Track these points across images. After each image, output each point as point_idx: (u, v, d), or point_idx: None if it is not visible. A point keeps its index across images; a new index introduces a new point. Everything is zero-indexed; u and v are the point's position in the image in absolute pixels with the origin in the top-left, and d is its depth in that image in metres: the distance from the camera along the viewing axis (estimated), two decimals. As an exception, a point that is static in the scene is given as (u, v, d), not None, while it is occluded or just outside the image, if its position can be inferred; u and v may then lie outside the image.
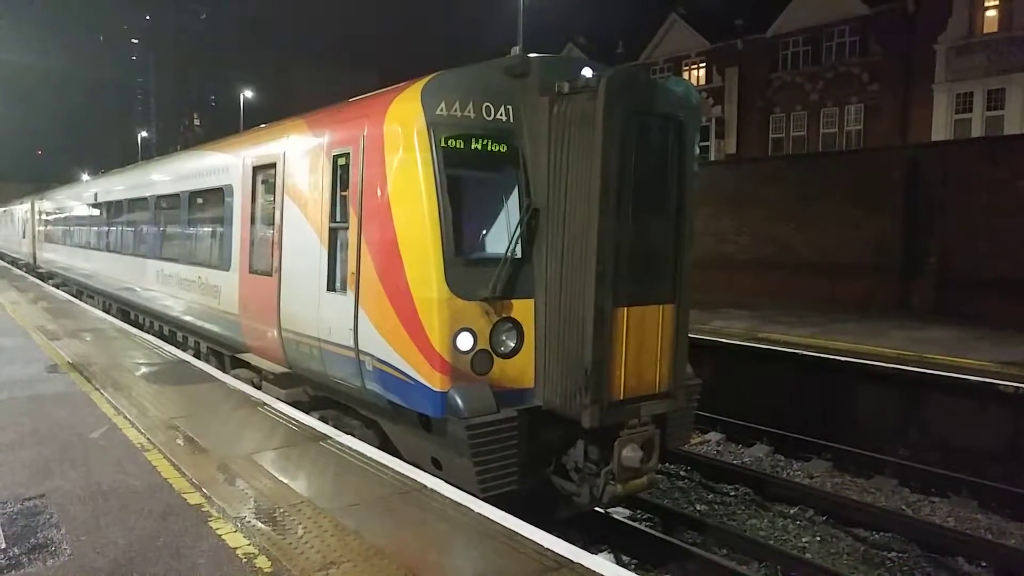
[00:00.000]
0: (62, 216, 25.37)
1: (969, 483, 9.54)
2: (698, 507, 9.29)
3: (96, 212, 19.70)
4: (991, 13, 26.44)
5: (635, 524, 8.38)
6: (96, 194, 19.84)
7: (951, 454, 10.38)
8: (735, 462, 10.86)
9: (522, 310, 6.33)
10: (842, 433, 11.28)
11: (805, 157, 27.89)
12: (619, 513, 8.55)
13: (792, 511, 9.10)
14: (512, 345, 6.31)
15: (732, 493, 9.67)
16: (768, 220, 21.91)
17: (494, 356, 6.24)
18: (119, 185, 17.75)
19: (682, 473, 10.31)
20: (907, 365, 11.16)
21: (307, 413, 7.91)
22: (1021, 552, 7.90)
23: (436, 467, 6.49)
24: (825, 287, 19.83)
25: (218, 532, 4.76)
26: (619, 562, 7.40)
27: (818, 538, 8.42)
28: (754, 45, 33.53)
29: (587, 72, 6.35)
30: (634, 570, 6.77)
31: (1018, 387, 9.83)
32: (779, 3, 32.29)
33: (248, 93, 64.11)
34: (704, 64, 36.21)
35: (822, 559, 7.89)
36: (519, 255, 6.28)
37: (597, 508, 7.38)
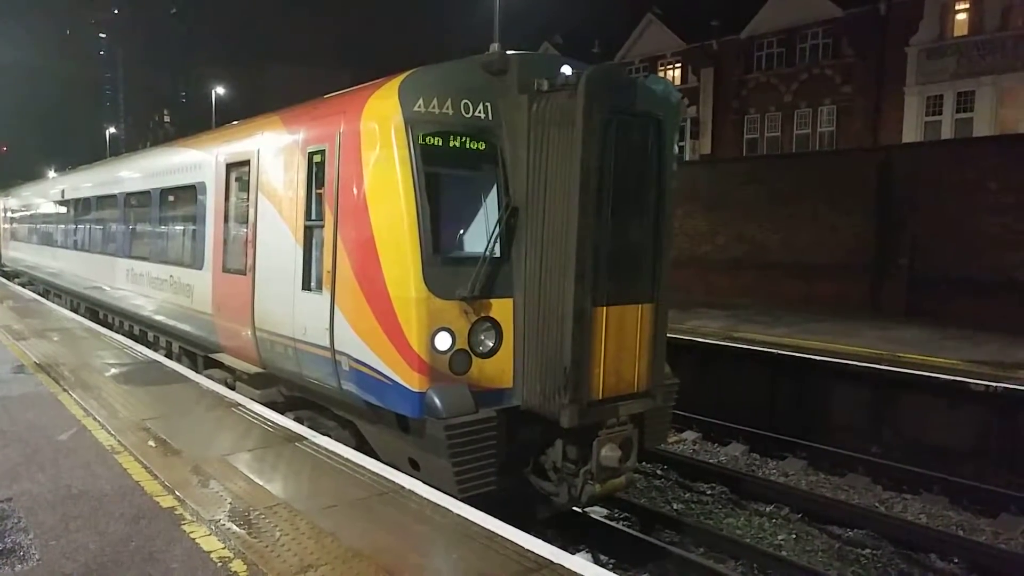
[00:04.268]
0: (28, 213, 24.86)
1: (940, 480, 9.68)
2: (675, 506, 9.33)
3: (64, 209, 19.32)
4: (961, 16, 26.88)
5: (613, 523, 8.39)
6: (63, 191, 19.46)
7: (923, 452, 10.52)
8: (711, 461, 10.92)
9: (501, 309, 6.30)
10: (816, 432, 11.39)
11: (779, 158, 28.18)
12: (596, 512, 8.55)
13: (768, 509, 9.16)
14: (491, 345, 6.28)
15: (708, 492, 9.72)
16: (743, 221, 22.09)
17: (473, 356, 6.20)
18: (88, 182, 17.41)
19: (659, 472, 10.34)
20: (880, 364, 11.30)
21: (282, 414, 7.80)
22: (992, 548, 8.03)
23: (414, 468, 6.43)
24: (799, 287, 20.05)
25: (192, 535, 4.67)
26: (597, 561, 7.40)
27: (793, 536, 8.49)
28: (729, 46, 33.79)
29: (566, 70, 6.33)
30: (612, 569, 6.76)
31: (988, 385, 10.00)
32: (754, 4, 32.57)
33: (220, 90, 63.37)
34: (680, 64, 36.41)
35: (797, 556, 7.95)
36: (498, 254, 6.25)
37: (575, 508, 7.37)
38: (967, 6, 26.71)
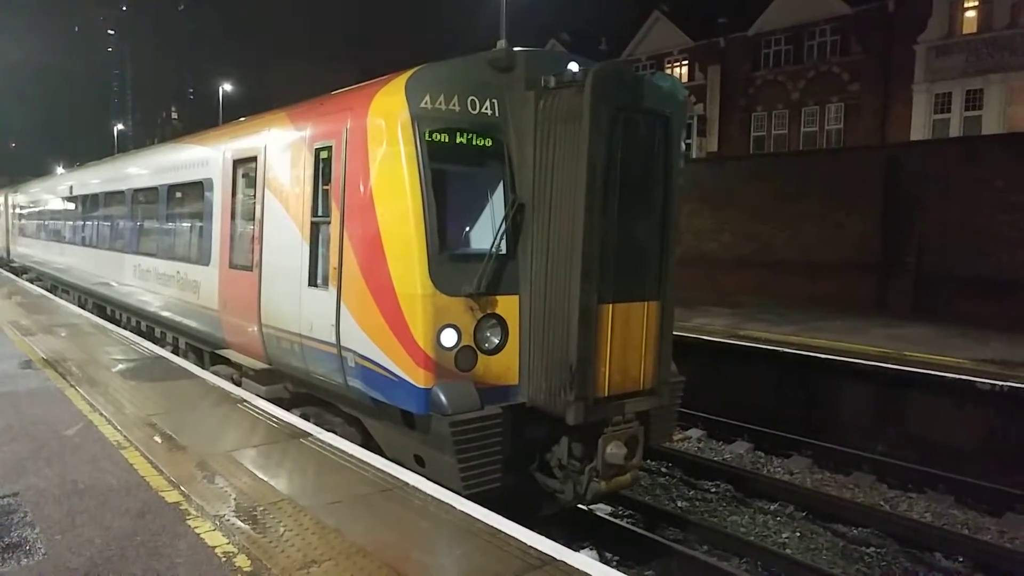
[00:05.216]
0: (36, 210, 24.98)
1: (945, 479, 9.65)
2: (679, 503, 9.32)
3: (72, 206, 19.41)
4: (970, 14, 26.74)
5: (617, 521, 8.39)
6: (72, 187, 19.55)
7: (928, 450, 10.49)
8: (716, 459, 10.91)
9: (507, 306, 6.30)
10: (822, 430, 11.36)
11: (786, 156, 28.09)
12: (601, 510, 8.55)
13: (772, 507, 9.15)
14: (496, 341, 6.28)
15: (713, 489, 9.71)
16: (749, 218, 22.04)
17: (478, 352, 6.19)
18: (95, 178, 17.49)
19: (663, 470, 10.34)
20: (886, 363, 11.27)
21: (288, 410, 7.82)
22: (997, 547, 8.00)
23: (419, 464, 6.44)
24: (806, 285, 19.99)
25: (196, 531, 4.69)
26: (602, 559, 7.41)
27: (798, 534, 8.48)
28: (736, 43, 33.69)
29: (573, 66, 6.31)
30: (616, 567, 6.77)
31: (995, 384, 9.96)
32: (762, 1, 32.45)
33: (227, 86, 63.55)
34: (687, 62, 36.34)
35: (802, 555, 7.94)
36: (504, 251, 6.24)
37: (579, 505, 7.37)
38: (976, 3, 26.56)
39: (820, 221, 20.07)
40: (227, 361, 9.53)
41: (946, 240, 17.46)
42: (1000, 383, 9.95)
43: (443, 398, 5.92)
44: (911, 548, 8.06)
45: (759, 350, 12.74)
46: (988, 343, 13.07)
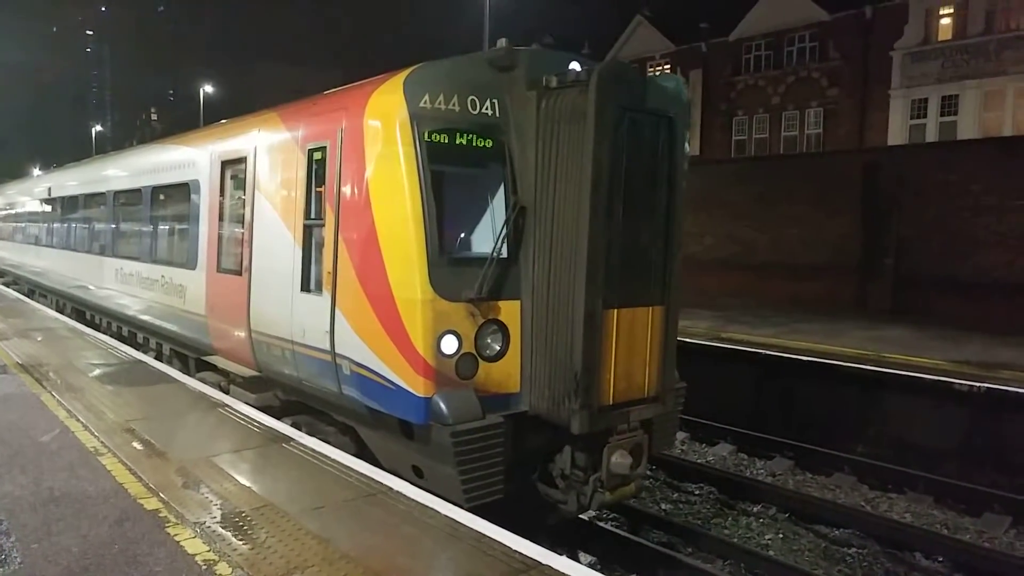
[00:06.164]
0: (12, 212, 24.65)
1: (925, 479, 9.74)
2: (663, 506, 9.34)
3: (49, 208, 19.14)
4: (946, 21, 27.17)
5: (602, 524, 8.39)
6: (49, 189, 19.28)
7: (908, 451, 10.59)
8: (699, 461, 10.94)
9: (508, 312, 6.13)
10: (803, 432, 11.43)
11: (767, 159, 28.38)
12: (586, 514, 8.53)
13: (755, 509, 9.19)
14: (498, 348, 6.11)
15: (697, 492, 9.74)
16: (731, 221, 22.19)
17: (479, 359, 6.02)
18: (74, 180, 17.26)
19: (647, 473, 10.33)
20: (865, 364, 11.37)
21: (278, 419, 7.61)
22: (976, 546, 8.09)
23: (417, 475, 6.26)
24: (787, 287, 20.15)
25: (176, 538, 4.63)
26: (598, 566, 7.36)
27: (780, 535, 8.52)
28: (718, 48, 33.97)
29: (575, 66, 6.21)
30: (600, 570, 6.76)
31: (971, 385, 10.08)
32: (743, 7, 32.76)
33: (208, 88, 63.02)
34: (668, 66, 36.55)
35: (784, 556, 7.98)
36: (505, 255, 6.08)
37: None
38: (951, 10, 26.98)
39: (801, 224, 20.27)
40: (214, 368, 9.34)
41: (924, 242, 17.70)
42: (977, 384, 10.07)
43: (444, 407, 5.74)
44: (892, 548, 8.12)
45: (741, 352, 12.80)
46: (965, 344, 13.24)
